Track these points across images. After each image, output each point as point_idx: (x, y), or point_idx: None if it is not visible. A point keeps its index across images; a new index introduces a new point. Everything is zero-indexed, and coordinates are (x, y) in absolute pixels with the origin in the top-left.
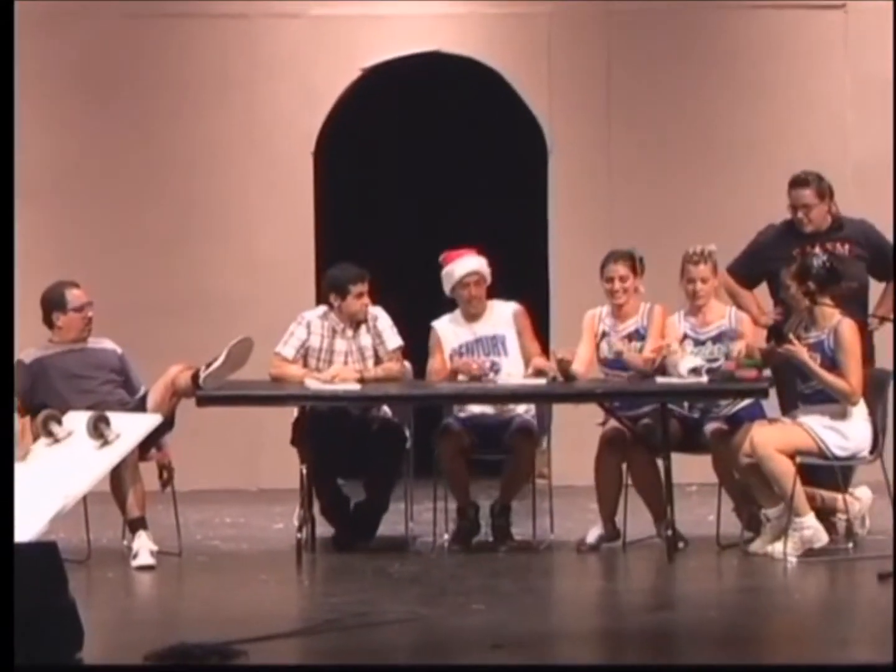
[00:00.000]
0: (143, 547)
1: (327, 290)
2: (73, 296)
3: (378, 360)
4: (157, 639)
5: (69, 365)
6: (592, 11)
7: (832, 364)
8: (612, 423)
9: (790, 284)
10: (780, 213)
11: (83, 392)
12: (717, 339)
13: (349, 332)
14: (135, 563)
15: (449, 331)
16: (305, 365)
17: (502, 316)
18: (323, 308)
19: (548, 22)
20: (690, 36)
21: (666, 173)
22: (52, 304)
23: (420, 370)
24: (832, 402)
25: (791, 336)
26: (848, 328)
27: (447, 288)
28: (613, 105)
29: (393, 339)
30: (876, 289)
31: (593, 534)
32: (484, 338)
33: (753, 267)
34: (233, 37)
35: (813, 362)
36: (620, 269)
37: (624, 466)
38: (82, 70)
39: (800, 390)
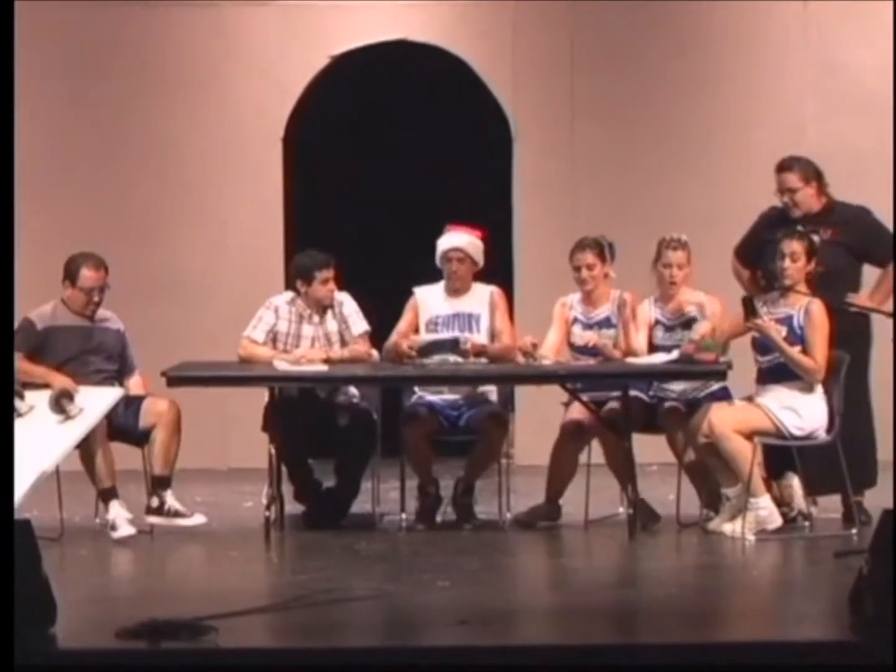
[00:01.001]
0: (120, 516)
1: (294, 276)
2: (86, 276)
3: (344, 346)
4: (129, 615)
5: (71, 344)
6: (556, 1)
7: (798, 340)
8: (575, 412)
9: (801, 257)
10: (741, 200)
11: (77, 376)
12: (686, 325)
13: (316, 318)
14: (115, 535)
15: (429, 299)
16: (273, 349)
17: (481, 296)
18: (290, 294)
19: (513, 11)
20: (653, 26)
21: (628, 160)
22: (68, 272)
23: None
24: (790, 379)
25: (760, 311)
26: (818, 308)
27: (437, 258)
28: (577, 93)
29: (359, 324)
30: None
31: (534, 510)
32: (461, 314)
33: (752, 248)
34: (203, 24)
35: (779, 336)
36: (588, 257)
37: (583, 454)
38: (52, 56)
39: (758, 365)
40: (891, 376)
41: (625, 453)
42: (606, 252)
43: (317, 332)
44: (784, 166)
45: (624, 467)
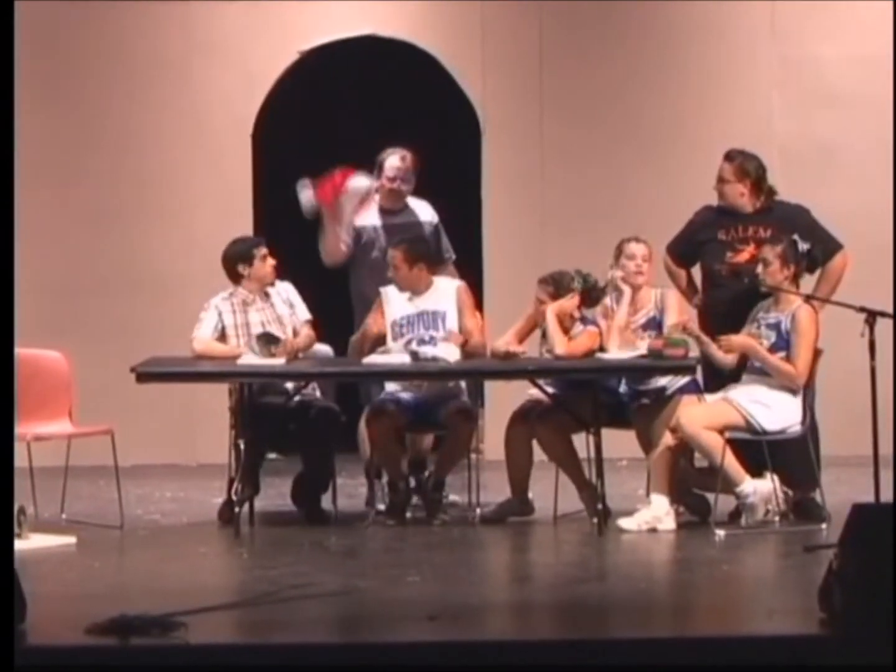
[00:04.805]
0: None
1: (233, 264)
2: None
3: (294, 331)
4: (99, 611)
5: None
6: None
7: (784, 346)
8: (527, 399)
9: (772, 262)
10: (708, 194)
11: None
12: (645, 327)
13: (260, 303)
14: None
15: (395, 300)
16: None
17: (446, 293)
18: (225, 291)
19: (481, 5)
20: (622, 21)
21: (596, 155)
22: None
23: (341, 351)
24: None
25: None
26: (805, 313)
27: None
28: (545, 87)
29: (303, 312)
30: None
31: (501, 505)
32: (425, 312)
33: (686, 247)
34: (171, 20)
35: (760, 347)
36: (541, 293)
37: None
38: (21, 52)
39: (750, 363)
40: (891, 376)
41: (595, 447)
42: (574, 288)
43: (266, 317)
44: (726, 156)
45: (572, 458)
